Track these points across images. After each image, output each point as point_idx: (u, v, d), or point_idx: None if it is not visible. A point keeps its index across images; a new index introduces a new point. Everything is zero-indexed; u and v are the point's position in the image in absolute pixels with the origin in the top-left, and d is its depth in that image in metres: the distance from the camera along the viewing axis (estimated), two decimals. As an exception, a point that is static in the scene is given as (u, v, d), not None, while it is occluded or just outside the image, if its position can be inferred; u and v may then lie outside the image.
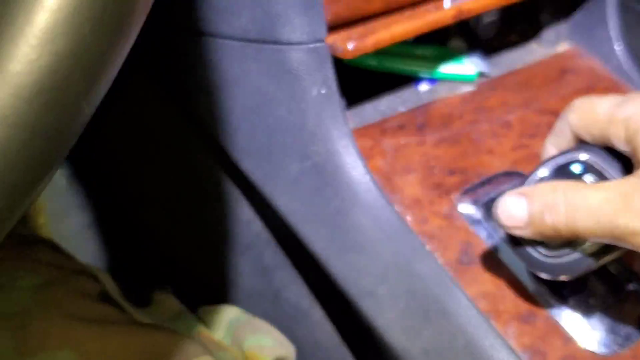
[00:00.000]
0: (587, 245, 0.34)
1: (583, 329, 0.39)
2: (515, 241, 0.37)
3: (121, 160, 0.70)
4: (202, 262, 0.64)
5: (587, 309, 0.40)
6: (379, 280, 0.43)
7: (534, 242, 0.36)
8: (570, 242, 0.34)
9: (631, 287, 0.41)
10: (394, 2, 0.46)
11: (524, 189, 0.36)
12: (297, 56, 0.43)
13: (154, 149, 0.63)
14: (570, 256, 0.34)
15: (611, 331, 0.39)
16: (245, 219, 0.58)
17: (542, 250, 0.35)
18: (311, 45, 0.43)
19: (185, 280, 0.65)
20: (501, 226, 0.36)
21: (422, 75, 0.55)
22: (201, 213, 0.61)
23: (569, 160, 0.37)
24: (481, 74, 0.55)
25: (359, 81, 0.51)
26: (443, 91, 0.54)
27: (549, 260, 0.35)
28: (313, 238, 0.47)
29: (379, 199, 0.44)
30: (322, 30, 0.43)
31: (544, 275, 0.36)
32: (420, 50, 0.57)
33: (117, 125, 0.65)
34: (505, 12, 0.57)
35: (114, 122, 0.62)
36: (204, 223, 0.61)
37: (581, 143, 0.37)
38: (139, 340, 0.45)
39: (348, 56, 0.44)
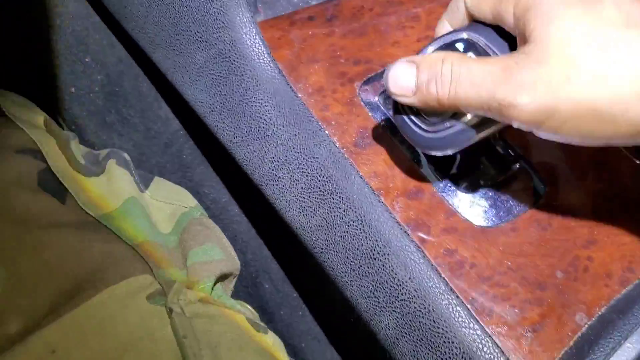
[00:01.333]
0: (466, 118, 0.35)
1: (467, 204, 0.41)
2: (401, 115, 0.38)
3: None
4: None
5: (472, 187, 0.42)
6: (280, 165, 0.45)
7: (418, 116, 0.37)
8: (452, 115, 0.35)
9: (517, 166, 0.43)
10: None
11: (415, 57, 0.36)
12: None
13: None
14: (450, 130, 0.35)
15: (493, 206, 0.41)
16: (164, 116, 0.59)
17: (424, 125, 0.37)
18: None
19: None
20: (389, 93, 0.36)
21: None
22: (120, 109, 0.61)
23: (454, 39, 0.37)
24: (396, -31, 0.55)
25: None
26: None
27: (430, 135, 0.36)
28: (220, 127, 0.48)
29: (283, 87, 0.45)
30: None
31: (426, 150, 0.38)
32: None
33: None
34: None
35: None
36: (123, 118, 0.61)
37: (473, 22, 0.38)
38: (73, 257, 0.45)
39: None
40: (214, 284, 0.47)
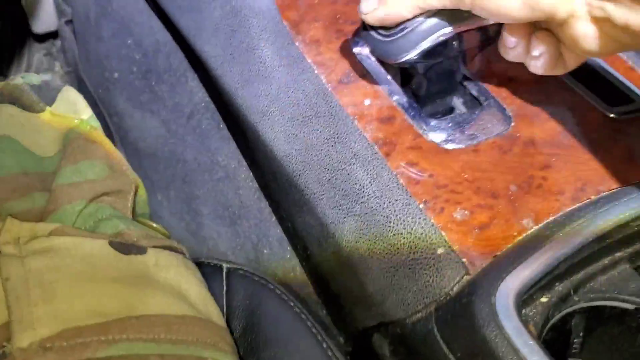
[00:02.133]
0: (414, 21, 0.39)
1: (434, 129, 0.44)
2: (367, 32, 0.42)
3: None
4: (151, 136, 0.70)
5: (442, 116, 0.45)
6: (272, 101, 0.49)
7: (379, 30, 0.41)
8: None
9: (486, 103, 0.46)
10: None
11: None
12: None
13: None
14: (403, 32, 0.40)
15: (459, 132, 0.44)
16: (189, 90, 0.65)
17: (385, 34, 0.41)
18: None
19: (133, 154, 0.72)
20: (361, 14, 0.41)
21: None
22: (153, 86, 0.68)
23: None
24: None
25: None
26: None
27: (389, 40, 0.41)
28: (228, 76, 0.53)
29: (284, 36, 0.51)
30: None
31: (388, 58, 0.42)
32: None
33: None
34: None
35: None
36: (155, 95, 0.68)
37: None
38: None
39: None
40: (85, 207, 0.42)
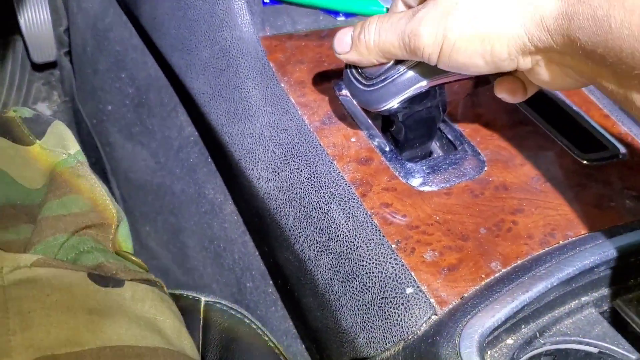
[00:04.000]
0: (394, 71, 0.41)
1: (409, 172, 0.46)
2: (349, 78, 0.44)
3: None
4: (141, 167, 0.72)
5: (418, 160, 0.47)
6: (256, 139, 0.51)
7: (360, 77, 0.43)
8: (384, 72, 0.41)
9: (460, 147, 0.47)
10: None
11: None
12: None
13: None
14: (384, 83, 0.41)
15: (433, 175, 0.45)
16: (179, 124, 0.67)
17: (365, 82, 0.43)
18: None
19: (124, 184, 0.73)
20: (336, 54, 0.43)
21: (341, 10, 0.64)
22: (144, 119, 0.70)
23: None
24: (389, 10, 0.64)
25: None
26: (355, 22, 0.63)
27: (370, 90, 0.42)
28: (215, 113, 0.55)
29: (269, 77, 0.53)
30: None
31: (368, 106, 0.43)
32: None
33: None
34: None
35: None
36: (146, 128, 0.70)
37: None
38: None
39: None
40: (67, 239, 0.43)
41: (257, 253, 0.61)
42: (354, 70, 0.43)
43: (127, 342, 0.35)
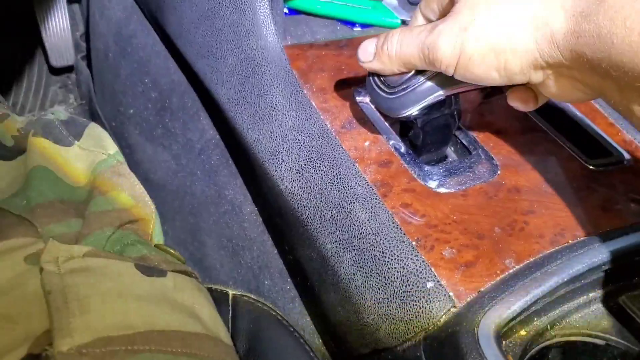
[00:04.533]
0: (415, 80, 0.44)
1: (427, 175, 0.48)
2: (371, 85, 0.47)
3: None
4: (162, 169, 0.74)
5: (435, 163, 0.50)
6: (280, 142, 0.54)
7: (383, 85, 0.46)
8: (406, 80, 0.44)
9: (475, 152, 0.50)
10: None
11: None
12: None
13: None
14: (405, 91, 0.44)
15: (449, 177, 0.48)
16: (201, 127, 0.69)
17: (387, 90, 0.45)
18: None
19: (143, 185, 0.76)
20: (360, 63, 0.46)
21: (358, 21, 0.67)
22: (166, 123, 0.73)
23: None
24: (404, 22, 0.67)
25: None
26: (371, 33, 0.66)
27: (392, 97, 0.45)
28: (239, 117, 0.58)
29: (293, 84, 0.55)
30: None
31: (389, 112, 0.46)
32: (360, 3, 0.69)
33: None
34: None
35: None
36: (168, 131, 0.73)
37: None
38: None
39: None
40: (113, 233, 0.47)
41: (275, 251, 0.64)
42: (376, 79, 0.46)
43: (172, 327, 0.38)
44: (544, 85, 0.40)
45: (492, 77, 0.39)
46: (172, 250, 0.48)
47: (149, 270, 0.44)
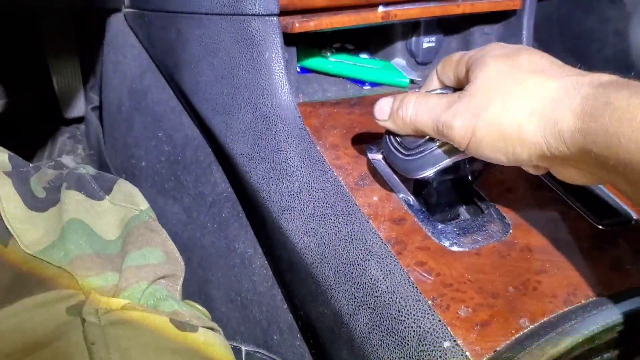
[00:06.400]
0: (429, 146, 0.45)
1: (441, 233, 0.49)
2: (388, 146, 0.48)
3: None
4: (172, 221, 0.75)
5: (448, 221, 0.51)
6: (294, 197, 0.55)
7: (399, 146, 0.47)
8: (422, 143, 0.46)
9: (487, 211, 0.51)
10: (336, 2, 0.61)
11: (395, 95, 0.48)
12: (256, 24, 0.57)
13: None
14: (421, 154, 0.46)
15: (462, 236, 0.49)
16: (213, 181, 0.70)
17: (404, 151, 0.47)
18: (267, 17, 0.57)
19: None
20: (375, 119, 0.48)
21: (367, 80, 0.69)
22: (178, 176, 0.74)
23: None
24: (412, 81, 0.69)
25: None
26: (381, 91, 0.68)
27: (408, 159, 0.47)
28: (253, 172, 0.59)
29: (306, 140, 0.57)
30: (276, 7, 0.57)
31: (405, 173, 0.47)
32: (370, 63, 0.71)
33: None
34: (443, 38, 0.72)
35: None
36: (180, 183, 0.74)
37: (444, 87, 0.49)
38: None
39: (295, 31, 0.58)
40: (147, 287, 0.48)
41: (285, 306, 0.64)
42: (393, 140, 0.48)
43: None
44: (552, 170, 0.42)
45: (500, 159, 0.41)
46: (199, 306, 0.49)
47: (182, 325, 0.45)
